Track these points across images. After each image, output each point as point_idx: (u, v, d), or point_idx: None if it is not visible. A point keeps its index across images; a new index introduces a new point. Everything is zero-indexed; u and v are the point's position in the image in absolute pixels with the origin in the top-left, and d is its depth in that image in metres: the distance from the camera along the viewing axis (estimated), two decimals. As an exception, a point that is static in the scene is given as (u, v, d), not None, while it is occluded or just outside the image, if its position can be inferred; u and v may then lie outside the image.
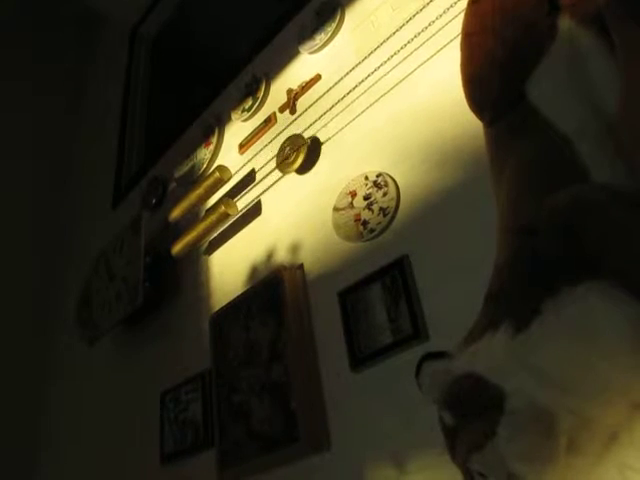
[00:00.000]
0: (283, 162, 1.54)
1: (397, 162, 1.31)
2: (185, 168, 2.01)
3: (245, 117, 1.82)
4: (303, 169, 1.52)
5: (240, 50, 2.05)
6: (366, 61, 1.46)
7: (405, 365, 1.06)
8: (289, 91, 1.67)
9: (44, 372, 2.52)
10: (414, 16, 1.37)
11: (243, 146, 1.79)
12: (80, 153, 3.09)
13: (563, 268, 0.67)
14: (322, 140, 1.52)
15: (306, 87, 1.63)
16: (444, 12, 1.29)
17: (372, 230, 1.28)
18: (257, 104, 1.79)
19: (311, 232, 1.45)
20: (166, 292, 1.91)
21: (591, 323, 0.63)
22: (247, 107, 1.82)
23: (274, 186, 1.62)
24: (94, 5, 3.09)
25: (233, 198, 1.72)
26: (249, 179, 1.72)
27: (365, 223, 1.30)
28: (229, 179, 1.76)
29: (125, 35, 3.04)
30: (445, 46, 1.28)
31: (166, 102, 2.70)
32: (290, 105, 1.65)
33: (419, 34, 1.34)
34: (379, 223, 1.27)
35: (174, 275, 1.91)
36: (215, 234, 1.76)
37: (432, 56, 1.31)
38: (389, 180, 1.29)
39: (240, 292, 1.54)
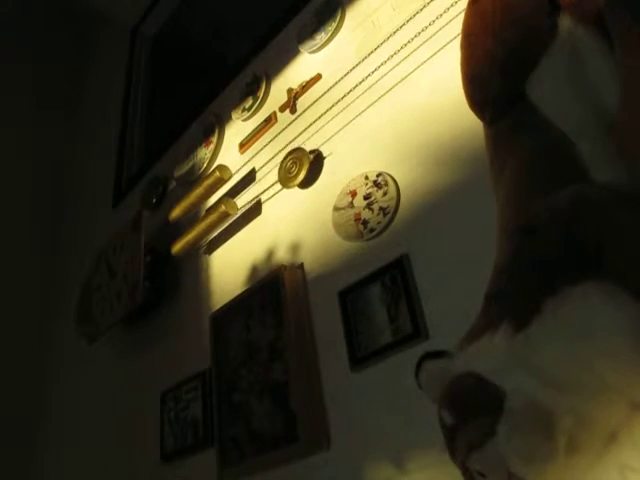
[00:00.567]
0: (286, 176, 1.53)
1: (397, 162, 1.31)
2: (185, 167, 2.02)
3: (245, 116, 1.82)
4: (305, 184, 1.51)
5: (240, 49, 2.06)
6: (366, 61, 1.46)
7: (405, 364, 1.06)
8: (289, 91, 1.67)
9: (44, 371, 2.52)
10: (414, 16, 1.37)
11: (243, 145, 1.79)
12: (80, 152, 3.09)
13: (563, 268, 0.67)
14: (322, 140, 1.52)
15: (306, 87, 1.63)
16: (444, 12, 1.29)
17: (372, 229, 1.28)
18: (257, 103, 1.79)
19: (311, 231, 1.45)
20: (166, 291, 1.92)
21: (591, 323, 0.63)
22: (247, 106, 1.82)
23: (274, 186, 1.62)
24: (94, 4, 3.09)
25: (233, 197, 1.72)
26: (249, 178, 1.72)
27: (365, 222, 1.30)
28: (229, 178, 1.76)
29: (125, 35, 3.04)
30: (445, 46, 1.28)
31: (166, 101, 2.70)
32: (290, 105, 1.65)
33: (419, 34, 1.34)
34: (379, 222, 1.27)
35: (174, 274, 1.91)
36: (215, 233, 1.77)
37: (432, 56, 1.31)
38: (389, 180, 1.29)
39: (240, 291, 1.54)
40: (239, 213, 1.69)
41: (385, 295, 1.19)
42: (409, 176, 1.27)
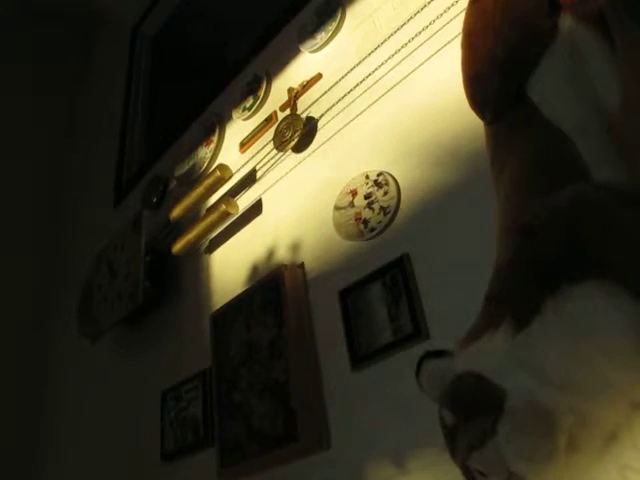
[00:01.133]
0: (280, 141, 1.55)
1: (398, 161, 1.31)
2: (186, 167, 2.02)
3: (246, 116, 1.82)
4: (301, 148, 1.53)
5: (241, 49, 2.05)
6: (367, 60, 1.46)
7: (405, 364, 1.06)
8: (290, 90, 1.67)
9: (45, 371, 2.52)
10: (415, 15, 1.37)
11: (244, 145, 1.79)
12: (81, 152, 3.09)
13: (563, 267, 0.67)
14: (323, 139, 1.52)
15: (307, 86, 1.63)
16: (445, 11, 1.29)
17: (373, 229, 1.28)
18: (258, 103, 1.79)
19: (312, 231, 1.45)
20: (167, 291, 1.92)
21: (591, 322, 0.63)
22: (248, 106, 1.82)
23: (275, 185, 1.62)
24: (95, 4, 3.09)
25: (234, 197, 1.72)
26: (250, 178, 1.72)
27: (366, 222, 1.30)
28: (230, 178, 1.76)
29: (126, 34, 3.04)
30: (446, 45, 1.28)
31: (167, 101, 2.70)
32: (291, 104, 1.65)
33: (420, 33, 1.34)
34: (380, 222, 1.27)
35: (175, 274, 1.91)
36: (216, 233, 1.77)
37: (433, 55, 1.31)
38: (390, 179, 1.29)
39: (241, 291, 1.55)
40: (239, 212, 1.69)
41: (385, 295, 1.19)
42: (410, 176, 1.27)
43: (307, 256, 1.44)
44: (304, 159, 1.56)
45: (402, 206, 1.26)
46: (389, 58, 1.40)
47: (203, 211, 1.82)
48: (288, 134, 1.53)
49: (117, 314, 1.91)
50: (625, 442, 0.63)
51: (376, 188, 1.31)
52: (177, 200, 1.87)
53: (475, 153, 1.11)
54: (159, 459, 1.65)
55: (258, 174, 1.69)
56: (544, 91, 0.84)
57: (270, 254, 1.55)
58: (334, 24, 1.61)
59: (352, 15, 1.61)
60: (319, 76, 1.61)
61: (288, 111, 1.66)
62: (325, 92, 1.55)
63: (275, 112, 1.72)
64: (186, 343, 1.75)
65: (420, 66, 1.34)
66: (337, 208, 1.38)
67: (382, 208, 1.28)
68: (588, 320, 0.63)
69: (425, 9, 1.35)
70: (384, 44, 1.43)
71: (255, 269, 1.58)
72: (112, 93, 2.92)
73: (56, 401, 2.42)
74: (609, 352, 0.62)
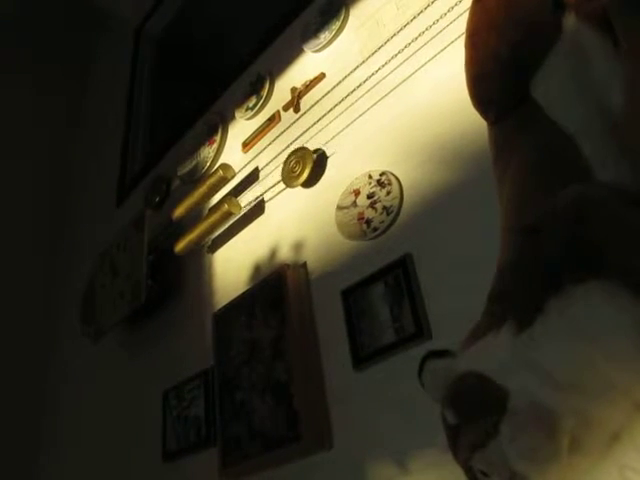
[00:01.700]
0: (289, 176, 1.53)
1: (401, 161, 1.31)
2: (189, 166, 2.02)
3: (249, 115, 1.82)
4: (309, 183, 1.51)
5: (244, 48, 2.06)
6: (370, 60, 1.46)
7: (408, 364, 1.06)
8: (293, 90, 1.67)
9: (47, 370, 2.53)
10: (418, 15, 1.37)
11: (247, 144, 1.79)
12: (84, 152, 3.09)
13: (567, 267, 0.67)
14: (326, 139, 1.52)
15: (310, 86, 1.63)
16: (448, 11, 1.29)
17: (375, 229, 1.28)
18: (261, 102, 1.79)
19: (314, 230, 1.45)
20: (169, 290, 1.92)
21: (594, 322, 0.63)
22: (251, 105, 1.82)
23: (277, 185, 1.62)
24: (98, 4, 3.10)
25: (236, 196, 1.72)
26: (252, 177, 1.72)
27: (368, 222, 1.30)
28: (232, 177, 1.76)
29: (129, 34, 3.05)
30: (449, 45, 1.28)
31: (170, 100, 2.70)
32: (294, 104, 1.65)
33: (423, 33, 1.34)
34: (382, 222, 1.27)
35: (177, 273, 1.91)
36: (218, 232, 1.77)
37: (436, 55, 1.31)
38: (393, 179, 1.29)
39: (243, 290, 1.55)
40: (242, 212, 1.69)
41: (388, 294, 1.19)
42: (413, 175, 1.27)
43: (310, 256, 1.44)
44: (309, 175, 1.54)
45: (405, 206, 1.26)
46: (392, 58, 1.40)
47: (206, 210, 1.83)
48: (297, 169, 1.51)
49: (119, 313, 1.91)
50: (627, 443, 0.63)
51: (379, 188, 1.31)
52: (180, 199, 1.87)
53: (478, 153, 1.11)
54: (161, 458, 1.65)
55: (261, 174, 1.69)
56: (547, 91, 0.84)
57: (272, 254, 1.55)
58: (337, 23, 1.61)
59: (355, 14, 1.61)
60: (322, 76, 1.61)
61: (291, 111, 1.66)
62: (328, 92, 1.55)
63: (278, 112, 1.71)
64: (188, 342, 1.75)
65: (424, 66, 1.33)
66: (340, 208, 1.38)
67: (385, 208, 1.28)
68: (591, 321, 0.63)
69: (428, 8, 1.35)
70: (387, 43, 1.43)
71: (257, 269, 1.58)
72: (115, 93, 2.92)
73: (57, 400, 2.42)
74: (612, 353, 0.62)
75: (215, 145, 1.93)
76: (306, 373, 1.28)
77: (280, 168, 1.58)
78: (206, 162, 1.93)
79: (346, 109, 1.49)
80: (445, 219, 1.17)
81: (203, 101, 2.14)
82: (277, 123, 1.70)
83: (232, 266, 1.69)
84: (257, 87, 1.84)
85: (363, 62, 1.48)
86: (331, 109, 1.51)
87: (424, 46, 1.34)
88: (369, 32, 1.52)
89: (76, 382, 2.34)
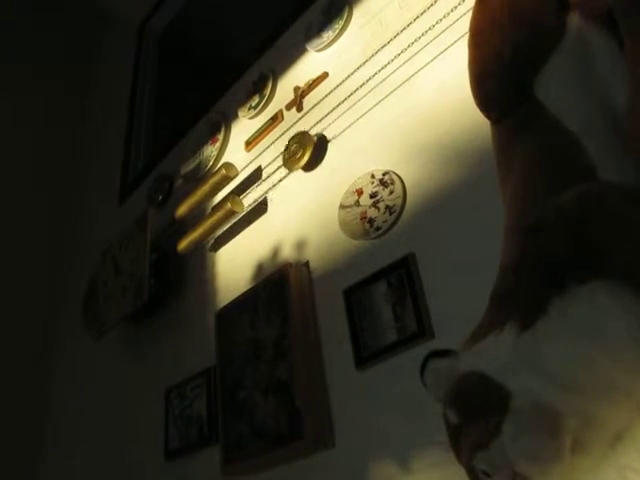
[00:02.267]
0: (290, 159, 1.54)
1: (404, 160, 1.31)
2: (191, 165, 2.02)
3: (252, 114, 1.82)
4: (309, 166, 1.52)
5: (247, 47, 2.06)
6: (373, 59, 1.46)
7: (410, 363, 1.06)
8: (296, 89, 1.67)
9: (49, 369, 2.53)
10: (422, 14, 1.37)
11: (250, 143, 1.79)
12: (87, 150, 3.10)
13: (570, 267, 0.67)
14: (329, 138, 1.52)
15: (313, 85, 1.63)
16: (452, 10, 1.29)
17: (378, 228, 1.28)
18: (264, 102, 1.79)
19: (317, 229, 1.45)
20: (172, 289, 1.92)
21: (597, 322, 0.63)
22: (254, 104, 1.82)
23: (280, 183, 1.62)
24: (101, 3, 3.09)
25: (239, 195, 1.72)
26: (255, 176, 1.72)
27: (371, 221, 1.30)
28: (235, 176, 1.76)
29: (132, 32, 3.05)
30: (453, 44, 1.28)
31: (173, 99, 2.70)
32: (297, 103, 1.65)
33: (426, 32, 1.34)
34: (385, 221, 1.27)
35: (180, 272, 1.91)
36: (221, 231, 1.77)
37: (440, 54, 1.31)
38: (395, 178, 1.29)
39: (245, 289, 1.55)
40: (245, 211, 1.69)
41: (390, 294, 1.19)
42: (416, 175, 1.27)
43: (312, 255, 1.44)
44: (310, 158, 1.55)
45: (408, 205, 1.26)
46: (395, 57, 1.40)
47: (208, 209, 1.83)
48: (298, 153, 1.52)
49: (122, 312, 1.92)
50: (629, 444, 0.63)
51: (382, 187, 1.31)
52: (182, 198, 1.88)
53: (481, 152, 1.10)
54: (163, 457, 1.65)
55: (263, 173, 1.69)
56: (551, 90, 0.84)
57: (275, 252, 1.55)
58: (341, 22, 1.61)
59: (359, 13, 1.60)
60: (325, 75, 1.61)
61: (294, 110, 1.66)
62: (331, 91, 1.55)
63: (281, 111, 1.71)
64: (191, 341, 1.75)
65: (427, 65, 1.33)
66: (343, 207, 1.38)
67: (388, 207, 1.28)
68: (594, 320, 0.63)
69: (432, 7, 1.35)
70: (390, 43, 1.43)
71: (260, 267, 1.58)
72: (118, 91, 2.93)
73: (60, 399, 2.43)
74: (615, 353, 0.62)
75: (218, 144, 1.93)
76: (308, 372, 1.28)
77: (283, 167, 1.58)
78: (209, 161, 1.93)
79: (349, 108, 1.48)
80: (448, 219, 1.17)
81: (206, 100, 2.14)
82: (280, 122, 1.70)
83: (235, 265, 1.69)
84: (260, 86, 1.84)
85: (366, 61, 1.48)
86: (334, 108, 1.51)
87: (427, 45, 1.34)
88: (372, 31, 1.52)
89: (78, 381, 2.34)
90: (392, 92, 1.39)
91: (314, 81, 1.63)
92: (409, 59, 1.37)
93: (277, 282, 1.42)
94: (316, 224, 1.46)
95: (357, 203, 1.35)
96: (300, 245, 1.48)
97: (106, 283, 2.07)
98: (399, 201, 1.26)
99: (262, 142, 1.75)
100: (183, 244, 1.79)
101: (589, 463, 0.62)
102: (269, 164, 1.67)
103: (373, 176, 1.34)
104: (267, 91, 1.79)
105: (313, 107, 1.59)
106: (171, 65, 2.88)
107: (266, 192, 1.66)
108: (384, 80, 1.42)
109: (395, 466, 1.09)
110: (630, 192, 0.70)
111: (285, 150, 1.58)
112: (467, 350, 0.72)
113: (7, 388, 2.34)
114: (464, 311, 0.88)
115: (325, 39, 1.64)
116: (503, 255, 0.80)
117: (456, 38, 1.26)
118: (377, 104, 1.42)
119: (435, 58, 1.32)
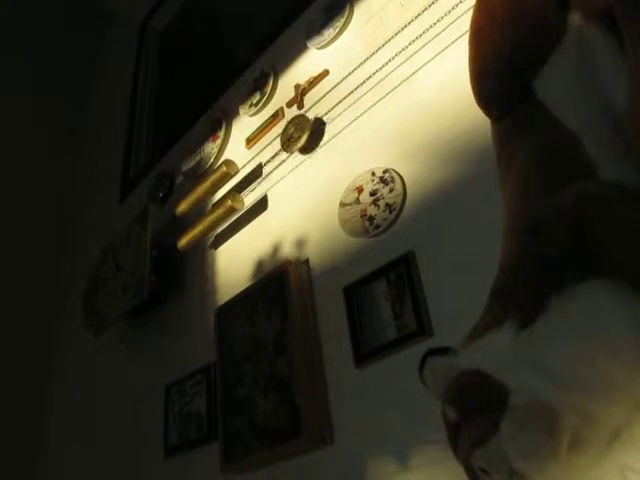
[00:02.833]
0: (288, 141, 1.54)
1: (404, 158, 1.31)
2: (192, 162, 2.02)
3: (253, 112, 1.82)
4: (307, 149, 1.53)
5: (248, 45, 2.05)
6: (374, 57, 1.46)
7: (409, 361, 1.06)
8: (297, 86, 1.67)
9: (49, 367, 2.53)
10: (423, 12, 1.37)
11: (250, 141, 1.79)
12: (88, 147, 3.10)
13: (569, 265, 0.67)
14: (329, 136, 1.52)
15: (314, 82, 1.63)
16: (453, 8, 1.29)
17: (378, 226, 1.28)
18: (265, 99, 1.79)
19: (317, 227, 1.45)
20: (172, 286, 1.92)
21: (596, 320, 0.63)
22: (255, 102, 1.82)
23: (281, 181, 1.62)
24: (101, 1, 3.09)
25: (240, 192, 1.72)
26: (256, 174, 1.72)
27: (371, 219, 1.30)
28: (236, 173, 1.76)
29: (133, 29, 3.05)
30: (454, 42, 1.28)
31: (174, 96, 2.70)
32: (298, 100, 1.65)
33: (428, 30, 1.34)
34: (385, 219, 1.27)
35: (180, 269, 1.91)
36: (221, 228, 1.77)
37: (441, 52, 1.31)
38: (396, 176, 1.29)
39: (245, 286, 1.55)
40: (245, 208, 1.69)
41: (390, 291, 1.19)
42: (416, 173, 1.27)
43: (312, 252, 1.44)
44: (310, 156, 1.55)
45: (408, 203, 1.26)
46: (396, 55, 1.40)
47: (209, 206, 1.83)
48: (296, 135, 1.53)
49: (122, 308, 1.92)
50: (627, 442, 0.63)
51: (382, 185, 1.31)
52: (183, 195, 1.88)
53: (481, 151, 1.11)
54: (162, 453, 1.65)
55: (264, 170, 1.69)
56: (552, 88, 0.84)
57: (275, 250, 1.55)
58: (342, 20, 1.61)
59: (360, 11, 1.60)
60: (326, 72, 1.61)
61: (295, 108, 1.66)
62: (332, 88, 1.55)
63: (282, 108, 1.71)
64: (191, 338, 1.75)
65: (428, 63, 1.33)
66: (343, 204, 1.38)
67: (388, 205, 1.28)
68: (592, 318, 0.63)
69: (433, 5, 1.35)
70: (391, 40, 1.43)
71: (260, 265, 1.58)
72: (119, 88, 2.92)
73: (60, 396, 2.43)
74: (613, 351, 0.62)
75: (219, 141, 1.93)
76: (308, 369, 1.29)
77: (284, 164, 1.58)
78: (210, 158, 1.93)
79: (349, 106, 1.48)
80: (448, 217, 1.17)
81: (207, 97, 2.14)
82: (281, 119, 1.70)
83: (235, 262, 1.69)
84: (261, 83, 1.84)
85: (367, 59, 1.48)
86: (335, 106, 1.51)
87: (428, 43, 1.34)
88: (373, 29, 1.52)
89: (79, 377, 2.34)
90: (393, 90, 1.39)
91: (315, 78, 1.63)
92: (410, 57, 1.37)
93: (277, 279, 1.42)
94: (316, 222, 1.46)
95: (357, 201, 1.35)
96: (300, 243, 1.48)
97: (106, 280, 2.07)
98: (399, 199, 1.26)
99: (263, 139, 1.75)
100: (183, 241, 1.79)
101: (587, 461, 0.63)
102: (269, 161, 1.67)
103: (373, 174, 1.34)
104: (268, 88, 1.79)
105: (314, 104, 1.59)
106: (172, 63, 2.88)
107: (267, 189, 1.66)
108: (385, 78, 1.42)
109: (394, 463, 1.09)
110: (630, 192, 0.70)
111: (283, 133, 1.59)
112: (466, 348, 0.72)
113: (7, 386, 2.34)
114: (463, 309, 0.88)
115: (326, 37, 1.64)
116: (502, 253, 0.80)
117: (457, 36, 1.26)
118: (378, 102, 1.42)
119: (436, 56, 1.32)
